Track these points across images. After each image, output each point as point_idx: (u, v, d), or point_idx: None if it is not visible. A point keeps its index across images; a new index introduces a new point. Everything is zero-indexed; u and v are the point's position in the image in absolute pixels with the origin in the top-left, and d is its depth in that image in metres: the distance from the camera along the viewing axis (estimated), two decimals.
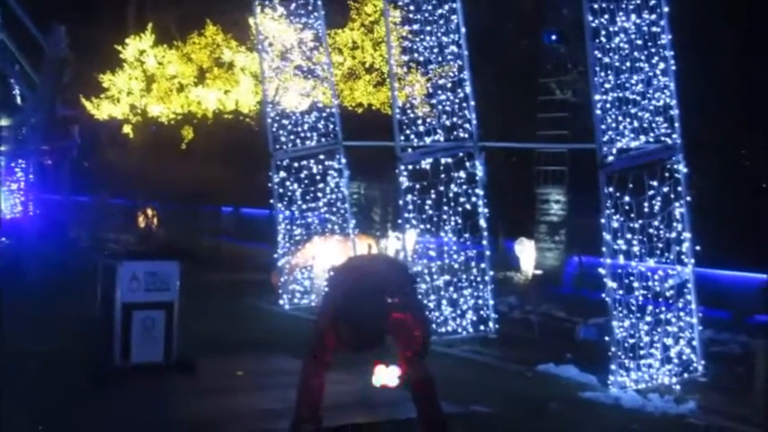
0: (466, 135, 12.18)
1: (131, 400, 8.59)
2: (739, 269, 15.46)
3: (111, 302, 9.35)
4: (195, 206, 24.59)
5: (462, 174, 12.06)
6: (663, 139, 10.10)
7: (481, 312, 12.27)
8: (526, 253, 19.27)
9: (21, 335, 10.41)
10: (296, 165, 14.09)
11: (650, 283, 9.95)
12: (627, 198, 9.76)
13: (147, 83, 29.56)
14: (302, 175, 14.06)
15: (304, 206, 14.18)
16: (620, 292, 9.75)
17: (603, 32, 9.77)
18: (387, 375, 6.80)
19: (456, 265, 12.20)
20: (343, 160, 14.14)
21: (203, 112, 28.31)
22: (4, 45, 18.58)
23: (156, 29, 30.27)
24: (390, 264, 7.66)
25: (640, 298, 9.87)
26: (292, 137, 14.19)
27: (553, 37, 18.29)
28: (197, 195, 24.28)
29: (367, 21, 25.21)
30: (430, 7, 12.13)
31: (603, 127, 9.76)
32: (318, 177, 14.11)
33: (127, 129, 30.09)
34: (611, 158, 9.72)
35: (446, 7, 12.10)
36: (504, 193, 19.77)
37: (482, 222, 12.23)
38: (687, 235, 10.19)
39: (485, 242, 12.34)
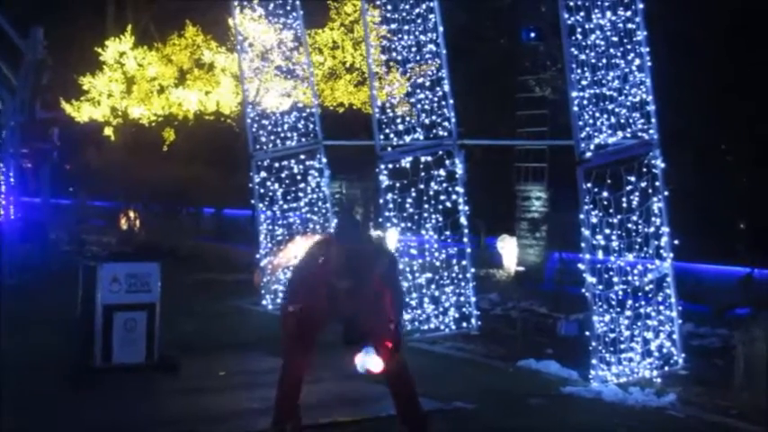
0: (445, 133, 12.22)
1: (112, 400, 8.63)
2: (719, 263, 15.56)
3: (92, 304, 9.39)
4: (177, 207, 24.58)
5: (442, 172, 12.10)
6: (640, 134, 10.18)
7: (463, 309, 12.32)
8: (508, 250, 19.36)
9: (0, 337, 10.43)
10: (276, 165, 14.08)
11: (629, 278, 10.03)
12: (605, 194, 9.82)
13: (128, 85, 29.47)
14: (283, 175, 14.04)
15: (285, 206, 14.17)
16: (600, 287, 9.82)
17: (579, 30, 9.83)
18: (370, 361, 6.84)
19: (437, 263, 12.25)
20: (324, 160, 14.15)
21: (184, 114, 28.25)
22: None
23: (135, 30, 30.21)
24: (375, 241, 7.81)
25: (620, 293, 9.94)
26: (272, 137, 14.19)
27: (531, 34, 18.36)
28: (179, 196, 24.26)
29: (347, 21, 25.20)
30: (407, 6, 12.17)
31: (581, 123, 9.83)
32: (299, 177, 14.11)
33: (108, 131, 30.03)
34: (588, 155, 9.79)
35: (423, 6, 12.14)
36: (485, 191, 19.85)
37: (462, 220, 12.28)
38: (665, 229, 10.26)
39: (465, 239, 12.38)
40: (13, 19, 19.30)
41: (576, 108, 9.79)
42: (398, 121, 12.20)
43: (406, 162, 12.09)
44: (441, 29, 12.17)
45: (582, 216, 9.76)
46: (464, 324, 12.29)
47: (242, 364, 10.29)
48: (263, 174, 14.12)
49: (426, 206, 12.07)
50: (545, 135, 18.27)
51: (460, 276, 12.30)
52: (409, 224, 12.07)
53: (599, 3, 9.93)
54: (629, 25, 10.10)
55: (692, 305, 13.77)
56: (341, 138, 16.48)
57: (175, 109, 28.34)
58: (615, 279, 9.89)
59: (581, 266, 9.95)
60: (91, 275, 9.42)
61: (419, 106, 12.23)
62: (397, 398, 7.26)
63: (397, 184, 12.04)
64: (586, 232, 9.75)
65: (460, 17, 17.63)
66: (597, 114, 9.91)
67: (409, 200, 12.04)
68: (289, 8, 14.31)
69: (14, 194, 16.94)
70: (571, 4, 9.83)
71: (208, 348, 10.87)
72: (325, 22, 25.43)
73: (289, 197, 14.09)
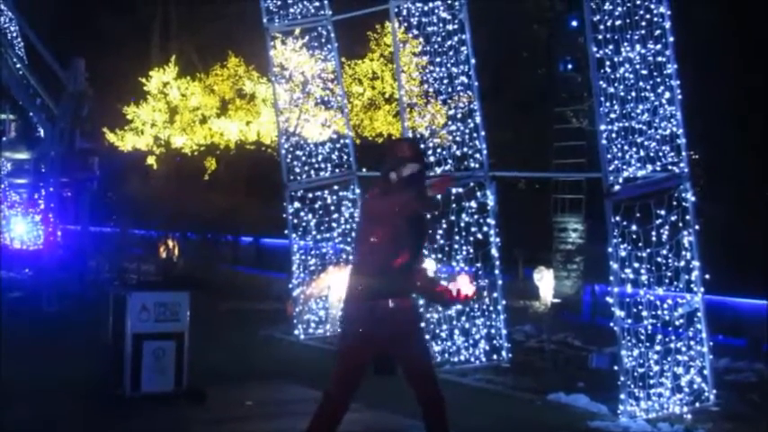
0: (476, 165, 12.24)
1: (141, 429, 8.71)
2: (756, 296, 15.36)
3: (121, 333, 9.51)
4: (216, 236, 24.77)
5: (473, 203, 12.09)
6: (670, 167, 10.11)
7: (494, 341, 12.26)
8: (545, 281, 19.24)
9: (33, 364, 10.60)
10: (310, 195, 14.17)
11: (659, 312, 9.93)
12: (634, 227, 9.76)
13: (171, 114, 29.94)
14: (316, 206, 14.14)
15: (318, 236, 14.25)
16: (629, 320, 9.74)
17: (608, 63, 9.82)
18: (464, 285, 6.59)
19: None
20: (357, 190, 14.22)
21: (226, 143, 28.63)
22: (26, 79, 18.92)
23: (179, 61, 30.68)
24: None
25: (649, 327, 9.85)
26: (306, 168, 14.29)
27: (569, 66, 18.37)
28: (218, 225, 24.45)
29: (386, 51, 25.43)
30: (439, 39, 12.24)
31: (609, 156, 9.80)
32: (333, 208, 14.19)
33: (150, 160, 30.49)
34: (617, 187, 9.75)
35: (455, 39, 12.20)
36: (524, 221, 19.85)
37: (494, 252, 12.25)
38: (696, 263, 10.15)
39: (497, 271, 12.35)
40: (60, 51, 19.71)
41: (604, 141, 9.77)
42: (429, 152, 12.22)
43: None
44: (472, 61, 12.21)
45: (610, 249, 9.70)
46: (495, 356, 12.23)
47: (270, 393, 10.33)
48: (297, 204, 14.22)
49: (457, 237, 12.07)
50: (583, 166, 18.20)
51: (491, 308, 12.26)
52: (440, 255, 12.05)
53: (628, 36, 9.91)
54: (660, 58, 10.06)
55: (730, 339, 13.63)
56: (380, 168, 16.49)
57: (217, 138, 28.74)
58: (644, 313, 9.80)
59: (609, 300, 9.88)
60: (121, 304, 9.55)
61: (450, 138, 12.27)
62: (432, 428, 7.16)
63: (428, 216, 12.00)
64: (615, 265, 9.69)
65: (498, 48, 17.67)
66: (626, 147, 9.87)
67: (440, 231, 12.03)
68: (324, 40, 14.45)
69: (55, 223, 17.20)
70: (600, 37, 9.83)
71: (237, 377, 10.91)
72: (365, 52, 25.69)
73: (322, 227, 14.16)
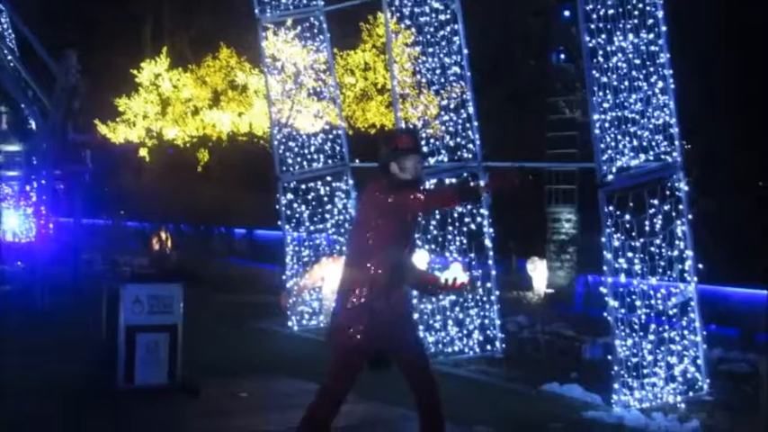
0: (470, 155, 12.22)
1: (134, 422, 8.69)
2: (749, 286, 15.37)
3: (114, 325, 9.47)
4: (209, 228, 24.74)
5: None
6: (663, 157, 10.11)
7: (488, 332, 12.26)
8: (538, 272, 19.26)
9: (27, 358, 10.58)
10: (303, 187, 14.16)
11: (653, 302, 9.94)
12: (627, 217, 9.76)
13: (163, 106, 29.87)
14: (309, 197, 14.12)
15: (312, 228, 14.23)
16: (623, 310, 9.75)
17: (601, 52, 9.81)
18: (458, 274, 6.45)
19: None
20: (350, 181, 14.20)
21: (218, 135, 28.57)
22: (18, 72, 18.84)
23: (170, 53, 30.59)
24: None
25: (643, 316, 9.85)
26: (299, 159, 14.27)
27: (561, 56, 18.36)
28: (211, 218, 24.41)
29: (379, 42, 25.40)
30: (432, 29, 12.22)
31: (603, 146, 9.80)
32: (326, 199, 14.18)
33: (143, 152, 30.42)
34: (610, 177, 9.74)
35: (448, 29, 12.17)
36: (517, 212, 19.82)
37: (487, 242, 12.24)
38: (689, 253, 10.17)
39: (490, 262, 12.34)
40: (52, 43, 19.62)
41: (597, 131, 9.76)
42: (423, 143, 12.18)
43: (430, 184, 12.05)
44: (465, 51, 12.18)
45: (604, 239, 9.70)
46: (488, 347, 12.23)
47: (264, 385, 10.29)
48: (290, 195, 14.20)
49: (450, 228, 12.05)
50: (575, 157, 18.20)
51: (485, 299, 12.25)
52: (433, 246, 12.03)
53: (621, 25, 9.90)
54: (652, 48, 10.06)
55: (723, 329, 13.65)
56: (373, 159, 16.47)
57: (209, 130, 28.68)
58: (638, 303, 9.81)
59: (603, 290, 9.88)
60: (114, 296, 9.51)
61: (444, 128, 12.25)
62: (426, 418, 7.09)
63: None
64: (608, 255, 9.70)
65: (491, 39, 17.64)
66: (619, 137, 9.87)
67: (433, 222, 12.03)
68: (316, 31, 14.41)
69: (47, 216, 17.13)
70: (593, 26, 9.82)
71: (231, 370, 10.88)
72: (357, 43, 25.65)
73: (315, 219, 14.14)
